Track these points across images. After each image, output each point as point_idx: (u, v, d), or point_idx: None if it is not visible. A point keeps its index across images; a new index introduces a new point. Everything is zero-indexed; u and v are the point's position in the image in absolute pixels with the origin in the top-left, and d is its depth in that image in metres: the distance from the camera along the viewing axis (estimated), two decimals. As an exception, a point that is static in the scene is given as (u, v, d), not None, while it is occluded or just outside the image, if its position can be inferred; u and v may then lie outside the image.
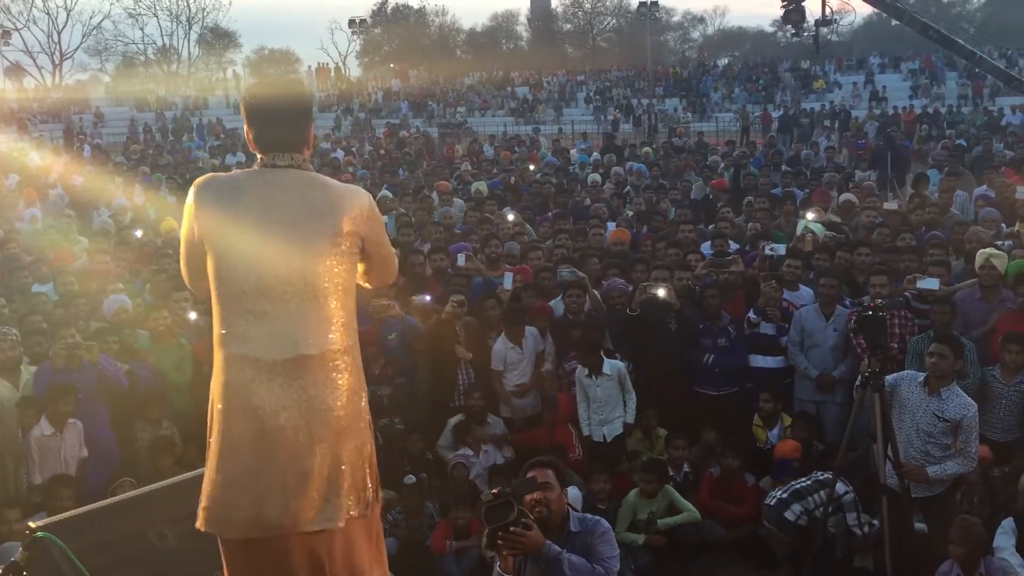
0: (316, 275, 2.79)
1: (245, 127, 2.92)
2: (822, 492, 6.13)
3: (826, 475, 6.20)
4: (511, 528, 3.52)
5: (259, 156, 2.90)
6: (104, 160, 22.39)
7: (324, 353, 2.79)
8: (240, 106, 2.98)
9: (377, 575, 3.04)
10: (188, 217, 2.88)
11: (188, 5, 62.82)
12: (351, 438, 2.86)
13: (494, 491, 3.64)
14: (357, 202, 2.90)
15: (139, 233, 10.69)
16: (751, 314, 7.66)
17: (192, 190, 2.88)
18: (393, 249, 3.20)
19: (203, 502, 2.79)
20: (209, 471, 2.80)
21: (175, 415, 7.13)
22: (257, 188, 2.84)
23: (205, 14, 63.89)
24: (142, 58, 65.25)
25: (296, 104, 2.93)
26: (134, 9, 61.06)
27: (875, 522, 6.09)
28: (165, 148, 29.04)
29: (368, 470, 2.93)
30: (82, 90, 51.47)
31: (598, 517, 4.26)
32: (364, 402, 2.95)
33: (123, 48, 64.29)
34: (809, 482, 6.28)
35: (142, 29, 62.77)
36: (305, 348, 2.76)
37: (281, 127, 2.88)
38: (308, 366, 2.77)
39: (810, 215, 9.74)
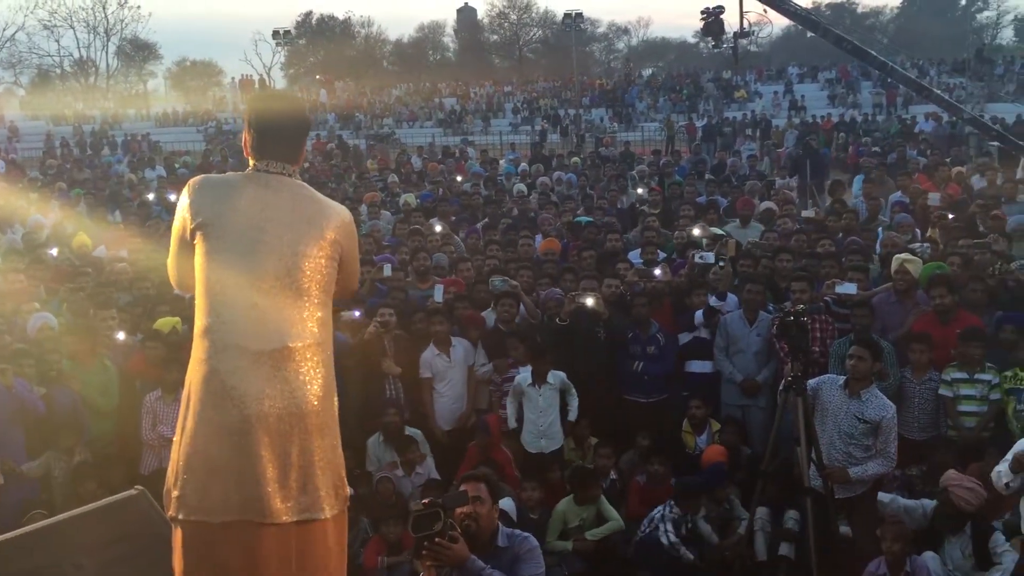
0: (301, 272, 2.95)
1: (245, 132, 3.10)
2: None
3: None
4: (436, 539, 3.52)
5: (252, 162, 3.07)
6: (19, 175, 21.73)
7: (306, 346, 2.93)
8: (245, 114, 3.16)
9: None
10: (182, 213, 2.98)
11: (106, 16, 61.28)
12: (327, 435, 2.97)
13: (424, 501, 3.65)
14: (341, 216, 3.12)
15: (55, 251, 10.34)
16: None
17: (186, 189, 3.01)
18: (359, 266, 3.37)
19: (175, 491, 2.84)
20: (184, 458, 2.83)
21: (98, 438, 6.93)
22: (252, 188, 2.99)
23: (124, 25, 62.41)
24: (58, 71, 63.45)
25: (296, 120, 3.14)
26: (49, 21, 59.33)
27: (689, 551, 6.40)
28: (83, 163, 28.21)
29: (341, 471, 3.03)
30: (-5, 104, 49.89)
31: (527, 534, 4.28)
32: (335, 402, 3.04)
33: (38, 61, 62.42)
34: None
35: (58, 41, 61.03)
36: (290, 340, 2.90)
37: (279, 138, 3.06)
38: (291, 357, 2.89)
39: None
